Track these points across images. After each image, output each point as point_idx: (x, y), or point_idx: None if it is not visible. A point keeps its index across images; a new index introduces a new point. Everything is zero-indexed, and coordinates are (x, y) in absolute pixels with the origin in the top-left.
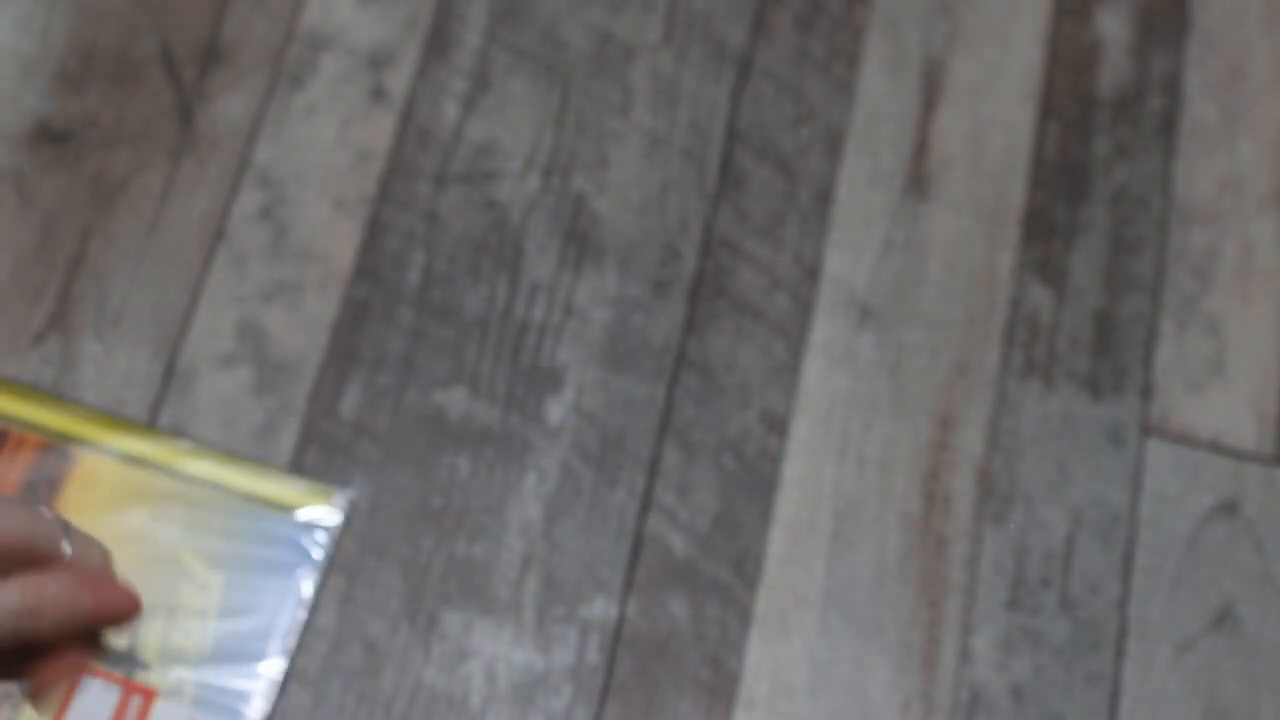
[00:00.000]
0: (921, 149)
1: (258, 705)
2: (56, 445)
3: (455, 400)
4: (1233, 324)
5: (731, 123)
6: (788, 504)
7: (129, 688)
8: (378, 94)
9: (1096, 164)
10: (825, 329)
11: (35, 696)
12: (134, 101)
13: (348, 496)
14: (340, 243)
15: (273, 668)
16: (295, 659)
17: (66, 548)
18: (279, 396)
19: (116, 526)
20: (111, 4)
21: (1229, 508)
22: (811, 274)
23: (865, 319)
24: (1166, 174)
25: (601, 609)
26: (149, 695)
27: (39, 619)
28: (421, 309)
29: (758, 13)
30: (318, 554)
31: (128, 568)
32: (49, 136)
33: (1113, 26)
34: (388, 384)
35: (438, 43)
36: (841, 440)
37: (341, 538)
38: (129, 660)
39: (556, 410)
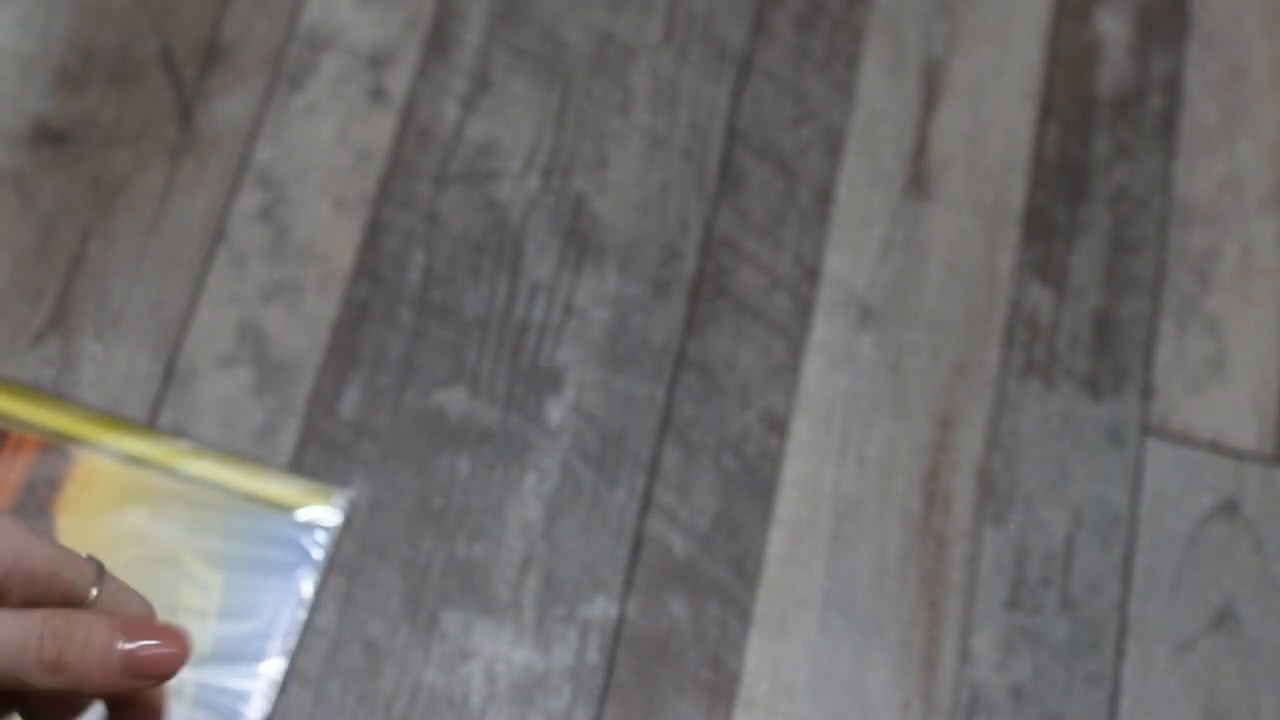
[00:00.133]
0: (921, 149)
1: (258, 705)
2: (56, 445)
3: (455, 400)
4: (1233, 324)
5: (731, 123)
6: (788, 504)
7: None
8: (378, 94)
9: (1096, 164)
10: (825, 329)
11: None
12: (134, 101)
13: (348, 496)
14: (340, 243)
15: (273, 668)
16: (295, 659)
17: (94, 591)
18: (279, 396)
19: (116, 526)
20: (111, 4)
21: (1229, 508)
22: (811, 274)
23: (865, 319)
24: (1166, 174)
25: (601, 609)
26: None
27: (60, 668)
28: (421, 309)
29: (758, 13)
30: (318, 554)
31: (127, 568)
32: (49, 136)
33: (1113, 26)
34: (388, 384)
35: (438, 43)
36: (841, 440)
37: (341, 538)
38: None
39: (556, 410)
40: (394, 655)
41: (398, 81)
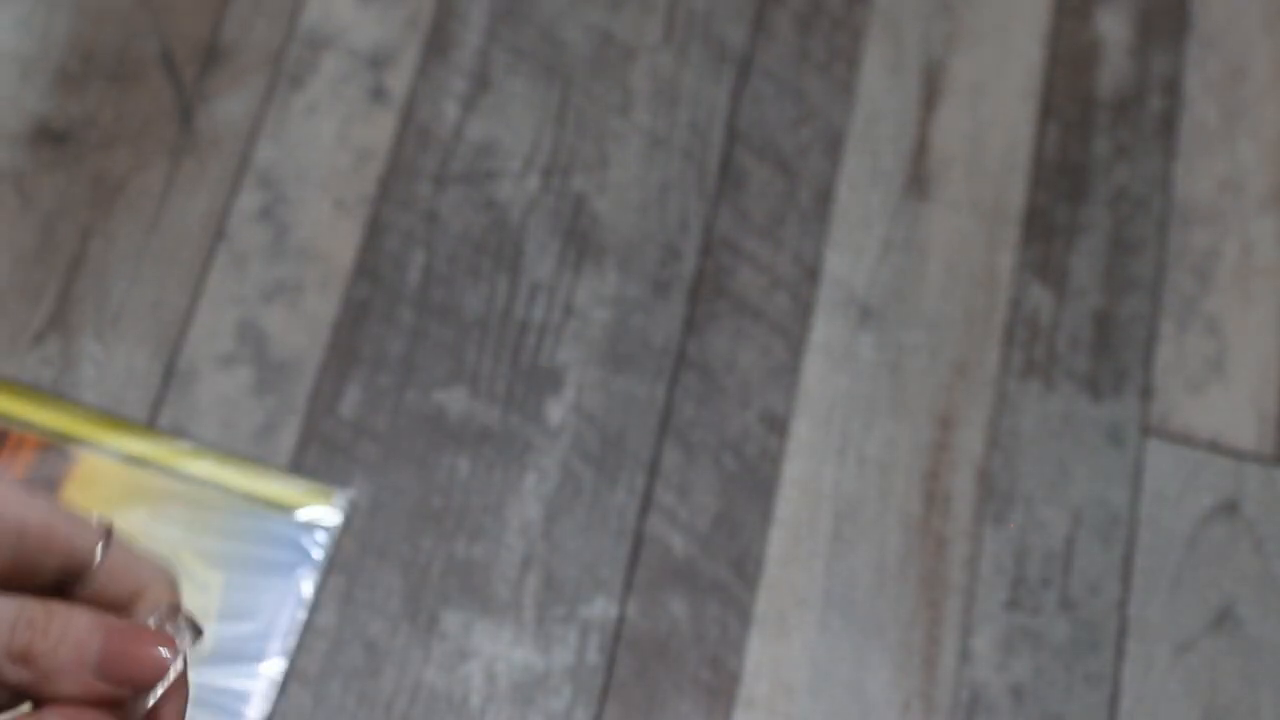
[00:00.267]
0: (921, 149)
1: (258, 705)
2: (56, 445)
3: (455, 400)
4: (1233, 324)
5: (731, 123)
6: (788, 504)
7: None
8: (378, 94)
9: (1096, 164)
10: (825, 329)
11: None
12: (134, 101)
13: (348, 496)
14: (340, 242)
15: (273, 668)
16: (295, 659)
17: (98, 556)
18: (279, 396)
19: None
20: (111, 4)
21: (1229, 508)
22: (811, 274)
23: (865, 319)
24: (1166, 174)
25: (601, 609)
26: None
27: (28, 659)
28: (421, 309)
29: (758, 13)
30: (318, 554)
31: None
32: (49, 136)
33: (1113, 26)
34: (388, 384)
35: (438, 43)
36: (841, 440)
37: (341, 538)
38: None
39: (556, 410)
40: (394, 655)
41: (398, 81)
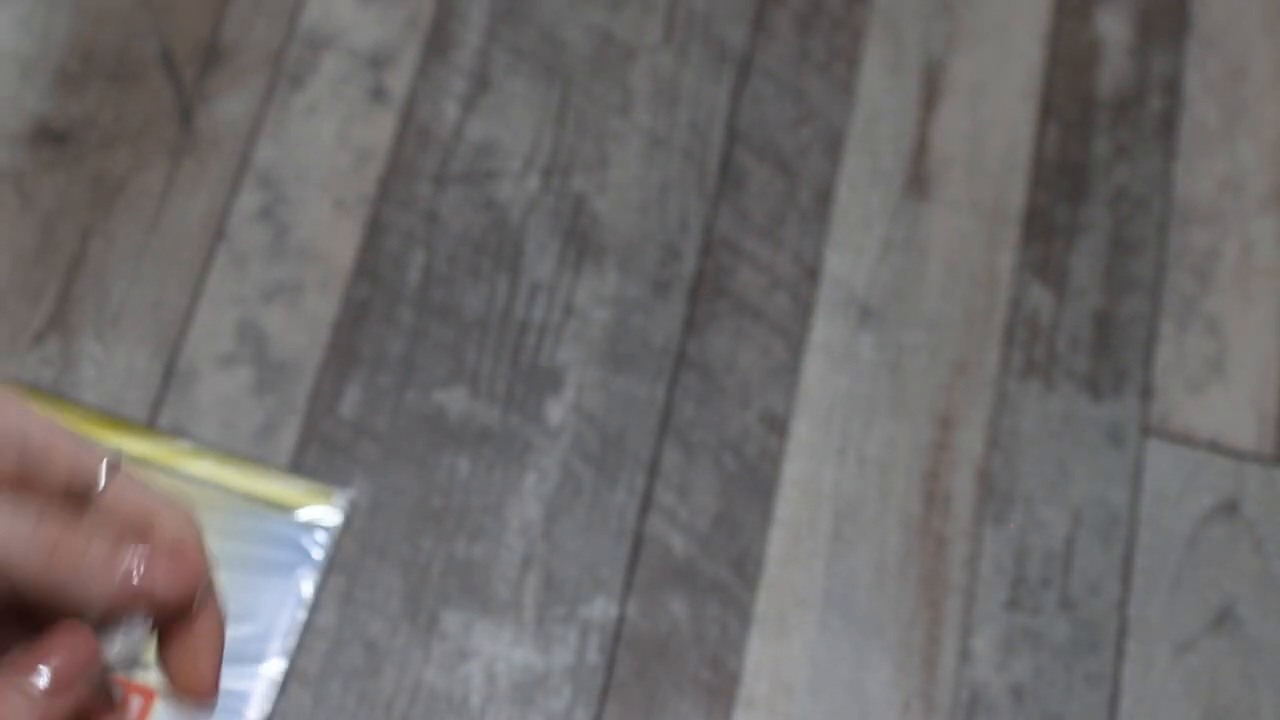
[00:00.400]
0: (921, 149)
1: (258, 706)
2: None
3: (455, 400)
4: (1233, 324)
5: (731, 123)
6: (788, 504)
7: (129, 688)
8: (378, 94)
9: (1096, 164)
10: (825, 329)
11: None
12: (134, 101)
13: (348, 496)
14: (340, 243)
15: (273, 668)
16: (295, 659)
17: (101, 481)
18: (279, 396)
19: None
20: (111, 4)
21: (1229, 508)
22: (811, 274)
23: (865, 319)
24: (1166, 174)
25: (601, 609)
26: (149, 696)
27: (52, 571)
28: (421, 309)
29: (758, 13)
30: (318, 554)
31: None
32: (49, 136)
33: (1113, 26)
34: (388, 384)
35: (438, 43)
36: (841, 440)
37: (341, 538)
38: (129, 660)
39: (556, 410)
40: (394, 655)
41: (398, 81)
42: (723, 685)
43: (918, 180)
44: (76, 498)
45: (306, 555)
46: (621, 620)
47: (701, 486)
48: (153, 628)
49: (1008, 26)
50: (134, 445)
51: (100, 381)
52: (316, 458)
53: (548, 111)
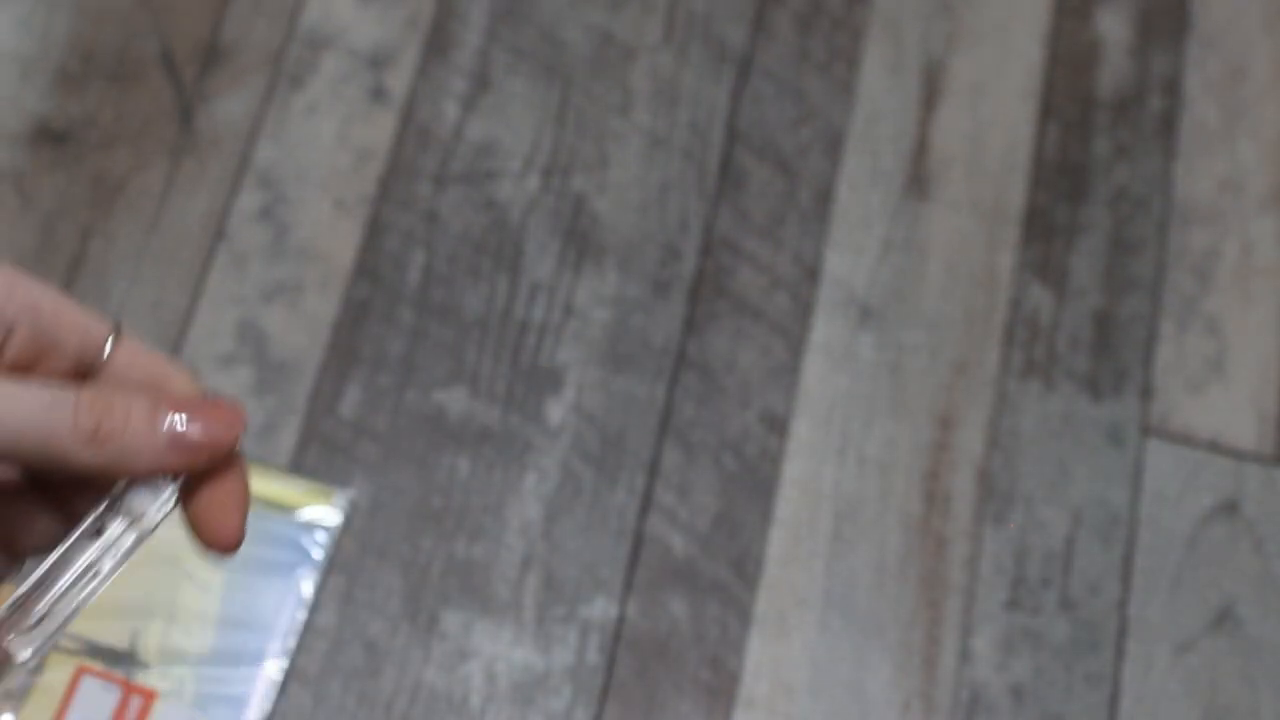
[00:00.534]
0: (921, 149)
1: (258, 705)
2: None
3: (455, 400)
4: (1233, 324)
5: (731, 123)
6: (788, 504)
7: (129, 688)
8: (378, 94)
9: (1096, 164)
10: (825, 329)
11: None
12: (134, 101)
13: (348, 496)
14: (340, 242)
15: (273, 668)
16: (295, 659)
17: (108, 348)
18: (279, 396)
19: None
20: (111, 4)
21: (1229, 508)
22: (811, 274)
23: (865, 319)
24: (1166, 174)
25: (601, 609)
26: (149, 696)
27: (102, 439)
28: (421, 309)
29: (758, 13)
30: (318, 554)
31: (127, 568)
32: (49, 136)
33: (1113, 26)
34: (388, 384)
35: (438, 43)
36: (841, 440)
37: (341, 538)
38: (129, 660)
39: (556, 410)
40: (394, 655)
41: (398, 81)
42: (723, 685)
43: (918, 180)
44: (89, 356)
45: (306, 555)
46: (621, 620)
47: (701, 486)
48: (183, 485)
49: (1008, 26)
50: None
51: None
52: (316, 458)
53: (548, 111)
